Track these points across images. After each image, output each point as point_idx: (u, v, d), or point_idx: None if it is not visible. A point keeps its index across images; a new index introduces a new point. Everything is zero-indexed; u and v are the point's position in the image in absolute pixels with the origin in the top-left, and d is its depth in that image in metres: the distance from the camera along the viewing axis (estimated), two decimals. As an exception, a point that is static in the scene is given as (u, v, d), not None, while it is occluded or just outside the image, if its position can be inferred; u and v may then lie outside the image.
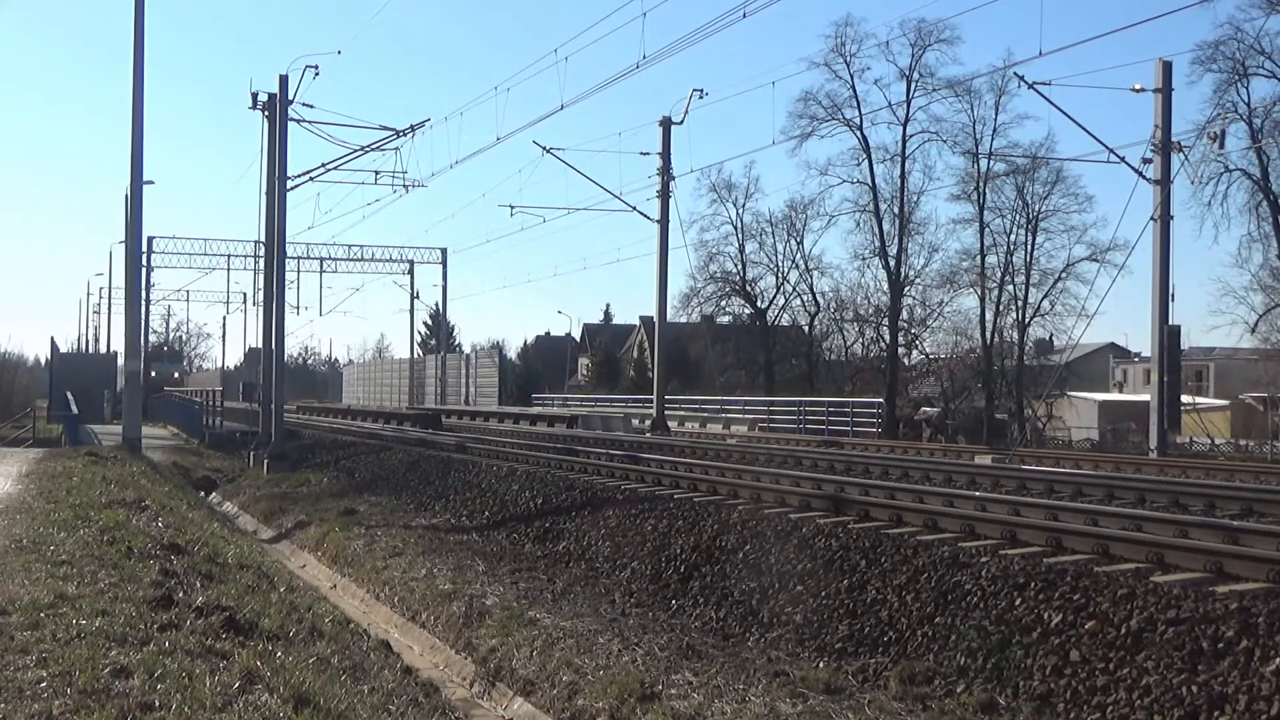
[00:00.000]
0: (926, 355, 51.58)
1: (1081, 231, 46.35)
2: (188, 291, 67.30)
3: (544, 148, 34.14)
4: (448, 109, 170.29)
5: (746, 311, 55.91)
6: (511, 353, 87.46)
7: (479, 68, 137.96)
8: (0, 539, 10.14)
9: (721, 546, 11.60)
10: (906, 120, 47.50)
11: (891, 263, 48.74)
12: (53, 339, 75.80)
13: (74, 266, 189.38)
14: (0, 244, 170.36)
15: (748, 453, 22.22)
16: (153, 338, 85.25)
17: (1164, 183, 26.91)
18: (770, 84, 73.43)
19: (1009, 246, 47.43)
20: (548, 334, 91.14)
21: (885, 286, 49.59)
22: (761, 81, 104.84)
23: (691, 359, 55.83)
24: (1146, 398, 30.43)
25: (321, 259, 56.17)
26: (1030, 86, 27.11)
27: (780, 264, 54.56)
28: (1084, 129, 33.22)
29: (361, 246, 57.40)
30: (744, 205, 54.53)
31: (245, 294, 63.96)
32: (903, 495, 12.72)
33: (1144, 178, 27.10)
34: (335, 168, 29.98)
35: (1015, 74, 29.68)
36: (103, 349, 72.68)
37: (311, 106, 28.82)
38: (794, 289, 54.85)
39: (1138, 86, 27.97)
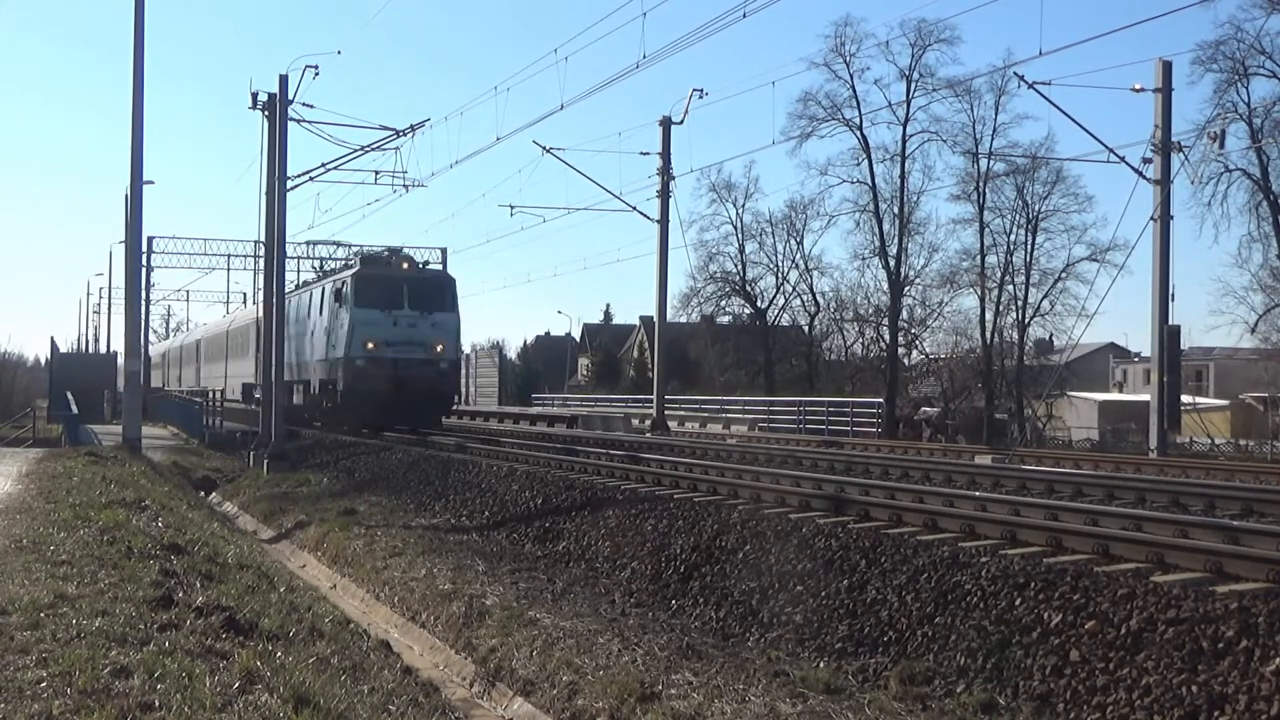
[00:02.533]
0: (926, 355, 51.64)
1: (1081, 231, 46.42)
2: (188, 291, 67.19)
3: (544, 148, 34.16)
4: (448, 109, 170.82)
5: (746, 311, 55.95)
6: (511, 353, 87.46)
7: (479, 68, 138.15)
8: (0, 539, 10.15)
9: (721, 546, 11.59)
10: (906, 120, 47.53)
11: (891, 263, 48.76)
12: (53, 339, 75.80)
13: (74, 266, 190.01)
14: (0, 244, 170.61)
15: (748, 453, 22.21)
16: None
17: (1164, 183, 26.91)
18: (770, 84, 73.50)
19: (1009, 246, 47.47)
20: (548, 334, 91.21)
21: (885, 286, 49.62)
22: (761, 81, 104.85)
23: (691, 359, 55.80)
24: (1146, 398, 30.44)
25: (321, 259, 56.05)
26: (1030, 86, 27.17)
27: (780, 264, 54.65)
28: (1084, 129, 33.33)
29: (361, 246, 57.23)
30: (744, 205, 54.58)
31: (245, 294, 63.64)
32: (903, 495, 12.71)
33: (1144, 178, 27.12)
34: (335, 168, 29.90)
35: (1015, 74, 29.74)
36: (103, 349, 72.54)
37: (311, 106, 28.76)
38: (794, 289, 54.94)
39: (1138, 86, 28.00)
